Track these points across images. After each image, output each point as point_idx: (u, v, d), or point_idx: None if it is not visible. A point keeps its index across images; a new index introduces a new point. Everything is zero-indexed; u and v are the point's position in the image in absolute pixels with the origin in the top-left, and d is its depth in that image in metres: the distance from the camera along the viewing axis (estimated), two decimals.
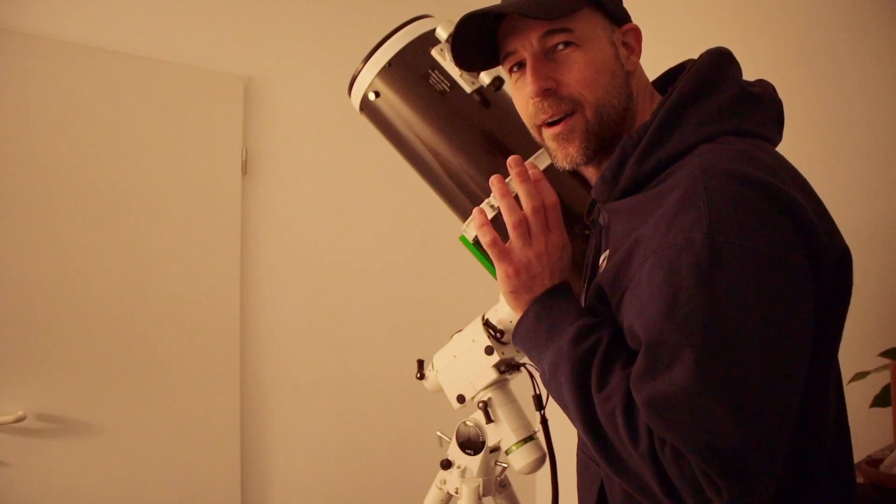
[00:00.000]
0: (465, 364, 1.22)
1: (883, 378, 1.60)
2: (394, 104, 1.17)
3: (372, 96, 1.17)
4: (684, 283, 0.62)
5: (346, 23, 2.32)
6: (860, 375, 1.59)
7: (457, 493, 1.25)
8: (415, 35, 1.14)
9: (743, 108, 0.75)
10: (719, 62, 0.79)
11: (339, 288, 2.31)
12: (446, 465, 1.27)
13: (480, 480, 1.24)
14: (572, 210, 1.01)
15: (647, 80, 0.88)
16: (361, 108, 1.22)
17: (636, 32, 0.82)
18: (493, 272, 1.18)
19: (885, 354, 1.58)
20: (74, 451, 1.75)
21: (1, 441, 1.64)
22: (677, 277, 0.63)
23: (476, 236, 1.14)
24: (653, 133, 0.74)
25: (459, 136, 1.13)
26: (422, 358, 1.34)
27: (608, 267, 0.75)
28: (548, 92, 0.80)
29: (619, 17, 0.82)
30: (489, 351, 1.18)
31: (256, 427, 2.12)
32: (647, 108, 0.82)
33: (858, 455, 1.63)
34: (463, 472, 1.25)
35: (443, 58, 1.11)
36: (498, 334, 1.20)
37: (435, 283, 2.40)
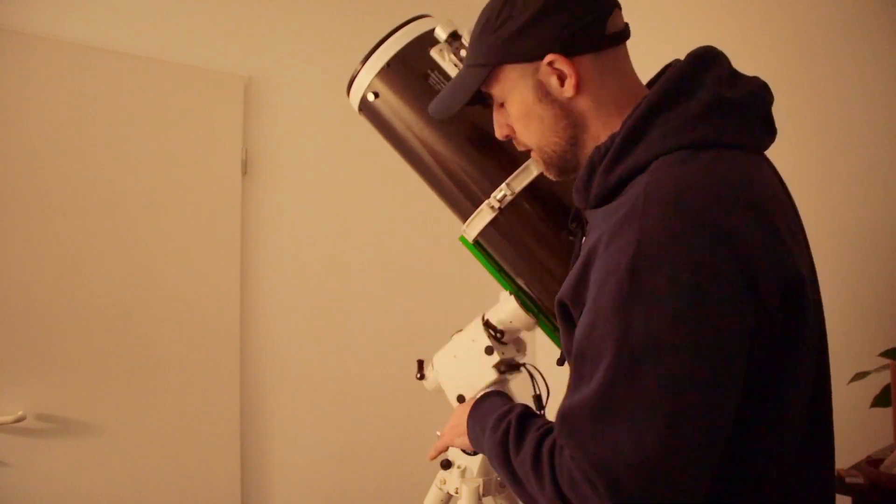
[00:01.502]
0: (465, 364, 1.22)
1: (883, 378, 1.60)
2: (393, 105, 1.17)
3: (371, 97, 1.17)
4: (606, 304, 0.65)
5: (346, 23, 2.32)
6: (860, 375, 1.59)
7: (457, 493, 1.25)
8: (413, 35, 1.14)
9: (712, 117, 0.73)
10: (693, 68, 0.78)
11: (338, 288, 2.31)
12: (446, 465, 1.27)
13: (480, 480, 1.24)
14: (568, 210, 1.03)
15: (615, 87, 0.83)
16: (360, 109, 1.22)
17: (560, 59, 0.78)
18: (493, 273, 1.19)
19: (885, 354, 1.58)
20: (74, 451, 1.75)
21: (1, 441, 1.64)
22: (602, 299, 0.66)
23: (476, 237, 1.14)
24: (618, 145, 0.76)
25: (459, 136, 1.13)
26: (422, 358, 1.34)
27: (567, 281, 0.77)
28: (509, 137, 0.89)
29: (536, 54, 0.79)
30: (489, 351, 1.19)
31: (256, 427, 2.12)
32: (614, 117, 0.81)
33: (858, 455, 1.64)
34: (463, 472, 1.25)
35: (442, 58, 1.11)
36: (498, 334, 1.21)
37: (435, 283, 2.40)
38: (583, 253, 0.74)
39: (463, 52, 1.08)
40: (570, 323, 0.76)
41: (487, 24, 0.83)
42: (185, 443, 1.94)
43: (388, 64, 1.14)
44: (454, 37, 1.10)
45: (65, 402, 1.75)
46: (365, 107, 1.20)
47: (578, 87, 0.80)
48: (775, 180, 0.80)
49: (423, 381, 1.32)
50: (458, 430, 1.01)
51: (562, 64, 0.79)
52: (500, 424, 0.83)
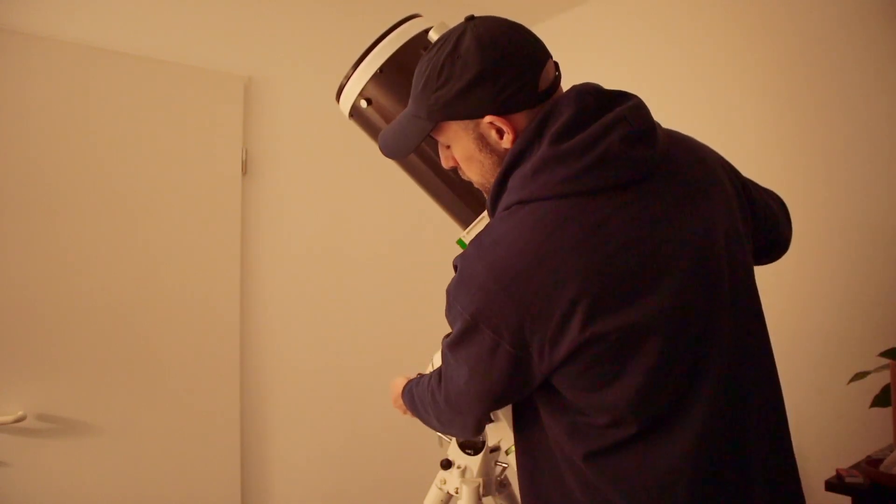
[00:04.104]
0: None
1: (883, 378, 1.60)
2: (388, 111, 1.13)
3: (363, 104, 1.14)
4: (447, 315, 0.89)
5: (346, 23, 2.32)
6: (860, 375, 1.59)
7: (457, 492, 1.25)
8: (406, 38, 1.11)
9: (538, 175, 0.82)
10: (537, 126, 0.85)
11: (338, 287, 2.31)
12: (446, 465, 1.27)
13: (480, 480, 1.24)
14: None
15: None
16: (351, 115, 1.19)
17: (499, 119, 0.87)
18: None
19: (885, 354, 1.58)
20: (74, 451, 1.75)
21: (1, 441, 1.64)
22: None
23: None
24: (490, 201, 0.91)
25: None
26: (422, 359, 1.34)
27: None
28: (453, 167, 0.99)
29: (475, 114, 0.88)
30: None
31: (256, 427, 2.12)
32: None
33: (858, 455, 1.64)
34: (463, 472, 1.25)
35: None
36: None
37: (434, 283, 2.39)
38: None
39: None
40: None
41: (428, 82, 0.89)
42: (185, 443, 1.94)
43: (382, 69, 1.11)
44: None
45: (65, 402, 1.75)
46: (357, 113, 1.17)
47: (515, 139, 0.88)
48: (604, 223, 0.81)
49: None
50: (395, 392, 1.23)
51: (499, 122, 0.87)
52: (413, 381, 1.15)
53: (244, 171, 2.11)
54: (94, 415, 1.79)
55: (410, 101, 0.94)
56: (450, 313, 0.86)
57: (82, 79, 1.81)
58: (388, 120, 1.13)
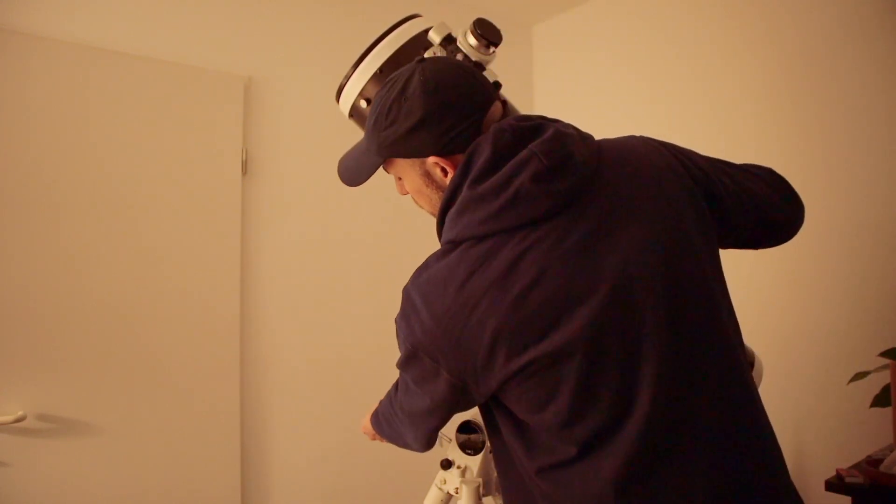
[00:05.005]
0: None
1: (883, 378, 1.60)
2: None
3: (363, 104, 1.14)
4: None
5: (346, 23, 2.33)
6: (860, 375, 1.59)
7: (457, 492, 1.25)
8: (406, 38, 1.11)
9: (463, 216, 0.88)
10: (463, 167, 0.89)
11: (339, 287, 2.31)
12: (446, 465, 1.27)
13: (480, 480, 1.24)
14: None
15: None
16: (351, 115, 1.19)
17: (443, 159, 0.92)
18: None
19: (885, 354, 1.58)
20: (74, 451, 1.75)
21: (1, 441, 1.64)
22: None
23: None
24: (439, 238, 0.96)
25: None
26: None
27: None
28: (407, 195, 1.05)
29: (423, 152, 0.93)
30: None
31: (256, 427, 2.12)
32: None
33: (858, 455, 1.64)
34: (463, 472, 1.25)
35: None
36: None
37: None
38: None
39: (459, 56, 1.07)
40: None
41: (378, 121, 0.94)
42: (185, 443, 1.94)
43: (381, 69, 1.11)
44: (448, 40, 1.07)
45: (65, 402, 1.75)
46: (356, 113, 1.17)
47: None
48: (520, 259, 0.84)
49: None
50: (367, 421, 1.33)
51: (443, 163, 0.92)
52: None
53: (244, 171, 2.11)
54: (94, 415, 1.79)
55: (364, 135, 1.01)
56: (397, 337, 0.92)
57: (82, 79, 1.82)
58: None
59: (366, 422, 1.32)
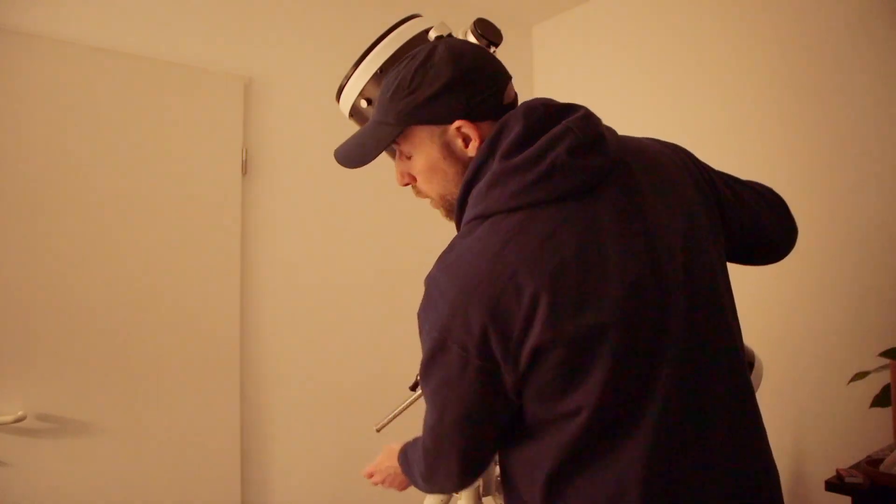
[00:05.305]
0: None
1: (883, 378, 1.60)
2: None
3: (364, 104, 1.14)
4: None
5: (346, 22, 2.33)
6: (860, 375, 1.59)
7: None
8: (406, 38, 1.11)
9: (491, 191, 0.86)
10: (490, 142, 0.88)
11: (339, 288, 2.31)
12: None
13: (480, 480, 1.24)
14: None
15: None
16: (351, 115, 1.19)
17: (467, 125, 0.90)
18: None
19: (885, 354, 1.58)
20: (74, 451, 1.75)
21: (1, 441, 1.64)
22: None
23: None
24: (456, 217, 0.95)
25: None
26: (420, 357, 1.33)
27: None
28: (409, 185, 1.01)
29: (446, 118, 0.90)
30: None
31: (256, 427, 2.12)
32: None
33: (858, 455, 1.64)
34: None
35: None
36: None
37: None
38: None
39: None
40: None
41: (399, 89, 0.91)
42: (185, 443, 1.94)
43: (382, 69, 1.11)
44: None
45: (65, 402, 1.75)
46: (357, 113, 1.18)
47: (479, 148, 0.91)
48: (553, 234, 0.82)
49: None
50: (395, 473, 1.26)
51: (468, 128, 0.90)
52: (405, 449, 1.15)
53: (244, 171, 2.11)
54: (94, 415, 1.79)
55: (374, 112, 0.97)
56: (420, 336, 0.88)
57: (82, 79, 1.82)
58: None
59: (387, 464, 1.28)
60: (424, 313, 0.87)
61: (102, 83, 1.85)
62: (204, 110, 2.03)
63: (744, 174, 1.10)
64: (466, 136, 0.91)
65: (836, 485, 1.48)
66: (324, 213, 2.29)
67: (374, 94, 1.12)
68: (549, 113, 0.89)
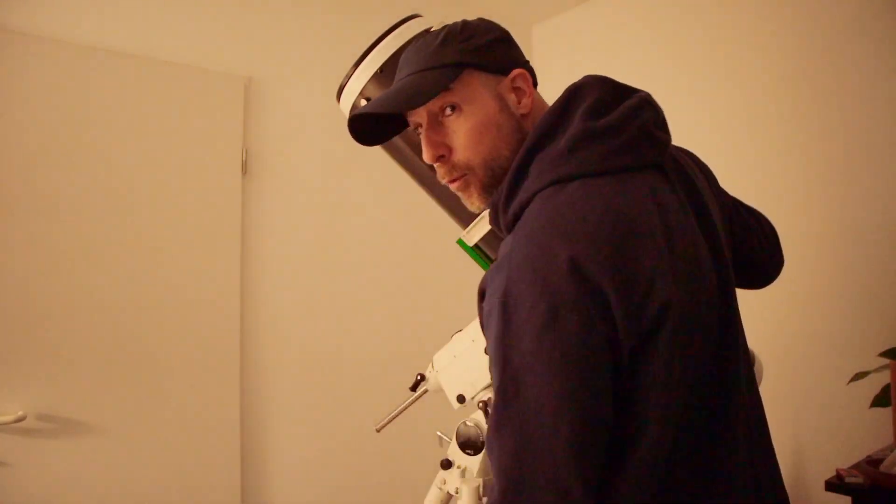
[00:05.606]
0: (465, 364, 1.22)
1: (883, 378, 1.60)
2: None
3: (364, 103, 1.13)
4: (492, 340, 0.74)
5: (346, 22, 2.32)
6: (860, 375, 1.59)
7: (457, 493, 1.25)
8: (406, 38, 1.11)
9: (577, 151, 0.78)
10: (565, 104, 0.83)
11: (338, 288, 2.31)
12: (446, 465, 1.27)
13: (480, 480, 1.24)
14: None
15: (537, 116, 0.91)
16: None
17: (524, 77, 0.86)
18: None
19: (885, 354, 1.58)
20: (74, 451, 1.75)
21: (1, 441, 1.64)
22: (489, 333, 0.75)
23: (477, 243, 1.14)
24: (507, 186, 0.83)
25: None
26: (422, 359, 1.34)
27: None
28: (442, 159, 0.88)
29: (504, 68, 0.86)
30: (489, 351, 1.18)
31: (256, 427, 2.12)
32: None
33: (858, 455, 1.64)
34: (463, 472, 1.25)
35: None
36: None
37: (435, 283, 2.40)
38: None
39: None
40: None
41: (449, 36, 0.86)
42: (185, 443, 1.94)
43: (382, 69, 1.11)
44: None
45: (65, 402, 1.75)
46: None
47: (532, 106, 0.87)
48: (665, 192, 0.81)
49: (423, 382, 1.32)
50: None
51: (523, 81, 0.86)
52: None
53: (244, 171, 2.11)
54: (94, 415, 1.79)
55: (419, 62, 0.86)
56: (514, 317, 0.70)
57: (82, 79, 1.82)
58: None
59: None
60: (520, 290, 0.71)
61: (102, 83, 1.85)
62: (204, 110, 2.03)
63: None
64: (521, 90, 0.86)
65: (836, 485, 1.48)
66: (323, 212, 2.29)
67: (375, 93, 1.12)
68: (617, 86, 0.87)
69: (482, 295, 0.80)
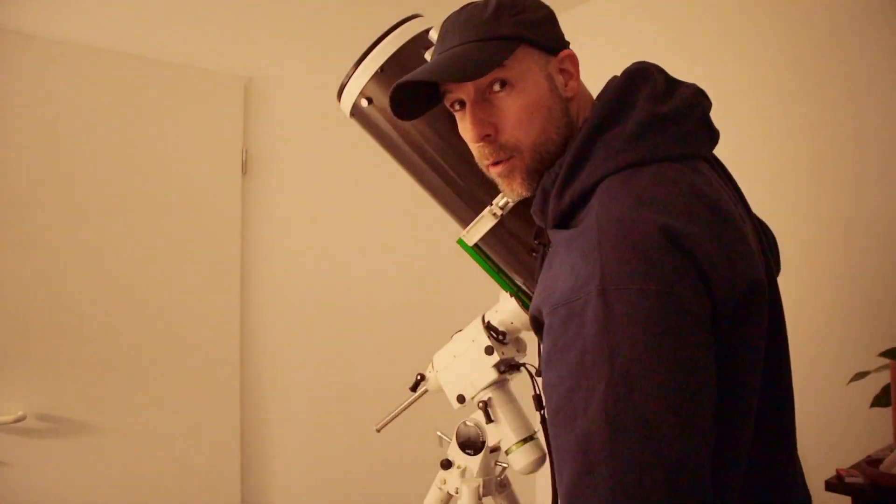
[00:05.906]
0: (465, 364, 1.22)
1: (883, 378, 1.60)
2: (389, 111, 1.14)
3: (364, 103, 1.13)
4: (588, 334, 0.64)
5: (346, 23, 2.32)
6: (860, 375, 1.59)
7: (457, 493, 1.25)
8: (407, 38, 1.11)
9: (648, 135, 0.75)
10: (627, 86, 0.80)
11: (338, 288, 2.31)
12: (446, 465, 1.27)
13: (480, 480, 1.24)
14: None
15: (589, 97, 0.88)
16: (352, 114, 1.19)
17: (572, 59, 0.82)
18: (492, 274, 1.18)
19: (885, 354, 1.57)
20: (74, 451, 1.75)
21: (1, 441, 1.64)
22: (583, 329, 0.65)
23: (477, 242, 1.14)
24: (566, 170, 0.78)
25: (459, 141, 1.12)
26: (422, 359, 1.34)
27: (536, 296, 0.76)
28: (488, 138, 0.82)
29: (555, 47, 0.82)
30: (489, 351, 1.18)
31: (256, 427, 2.12)
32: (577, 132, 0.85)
33: (858, 455, 1.64)
34: (463, 472, 1.25)
35: None
36: (500, 336, 1.20)
37: (435, 283, 2.40)
38: (554, 280, 0.73)
39: None
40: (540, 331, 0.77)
41: (501, 8, 0.80)
42: (185, 443, 1.94)
43: (382, 68, 1.10)
44: None
45: (65, 402, 1.75)
46: (357, 112, 1.17)
47: (577, 90, 0.84)
48: (721, 183, 0.81)
49: (423, 382, 1.32)
50: None
51: (571, 63, 0.82)
52: None
53: (244, 171, 2.11)
54: (94, 415, 1.79)
55: (468, 31, 0.81)
56: (618, 307, 0.63)
57: (82, 79, 1.82)
58: (389, 119, 1.13)
59: None
60: (616, 273, 0.64)
61: (102, 83, 1.85)
62: (204, 110, 2.03)
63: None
64: (568, 73, 0.82)
65: (836, 485, 1.48)
66: (324, 212, 2.29)
67: (375, 93, 1.12)
68: (667, 75, 0.86)
69: (538, 313, 0.73)
